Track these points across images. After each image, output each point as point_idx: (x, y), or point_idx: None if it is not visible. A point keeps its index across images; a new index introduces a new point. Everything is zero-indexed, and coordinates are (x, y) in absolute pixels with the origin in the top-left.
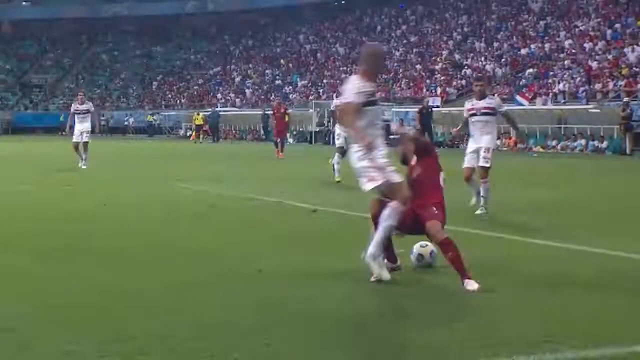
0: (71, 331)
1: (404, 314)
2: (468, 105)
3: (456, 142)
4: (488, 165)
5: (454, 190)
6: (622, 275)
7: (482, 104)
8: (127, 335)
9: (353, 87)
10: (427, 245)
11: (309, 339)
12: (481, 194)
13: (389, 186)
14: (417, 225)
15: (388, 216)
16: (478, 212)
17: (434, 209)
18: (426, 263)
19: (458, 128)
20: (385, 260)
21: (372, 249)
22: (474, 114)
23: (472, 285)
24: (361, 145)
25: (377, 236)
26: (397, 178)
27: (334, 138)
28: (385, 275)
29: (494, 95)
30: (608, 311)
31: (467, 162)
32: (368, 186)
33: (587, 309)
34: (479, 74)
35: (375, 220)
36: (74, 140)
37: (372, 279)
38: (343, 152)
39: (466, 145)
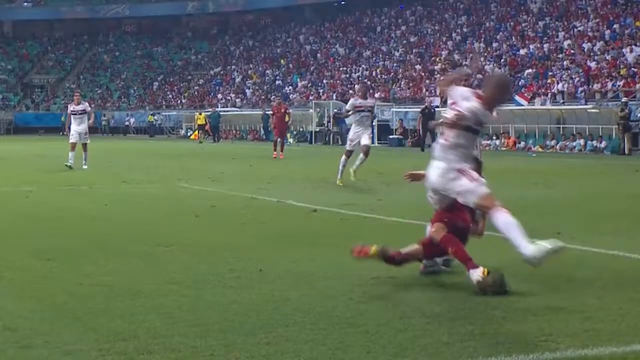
0: (72, 330)
1: (403, 313)
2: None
3: None
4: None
5: None
6: (621, 275)
7: None
8: (128, 335)
9: (473, 105)
10: None
11: (309, 338)
12: None
13: (481, 194)
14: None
15: (504, 222)
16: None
17: (445, 217)
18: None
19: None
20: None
21: (522, 249)
22: None
23: (477, 273)
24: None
25: (512, 236)
26: (486, 186)
27: (333, 138)
28: (553, 244)
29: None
30: (606, 310)
31: None
32: (461, 188)
33: (586, 307)
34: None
35: (440, 245)
36: (72, 140)
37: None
38: (350, 155)
39: None
